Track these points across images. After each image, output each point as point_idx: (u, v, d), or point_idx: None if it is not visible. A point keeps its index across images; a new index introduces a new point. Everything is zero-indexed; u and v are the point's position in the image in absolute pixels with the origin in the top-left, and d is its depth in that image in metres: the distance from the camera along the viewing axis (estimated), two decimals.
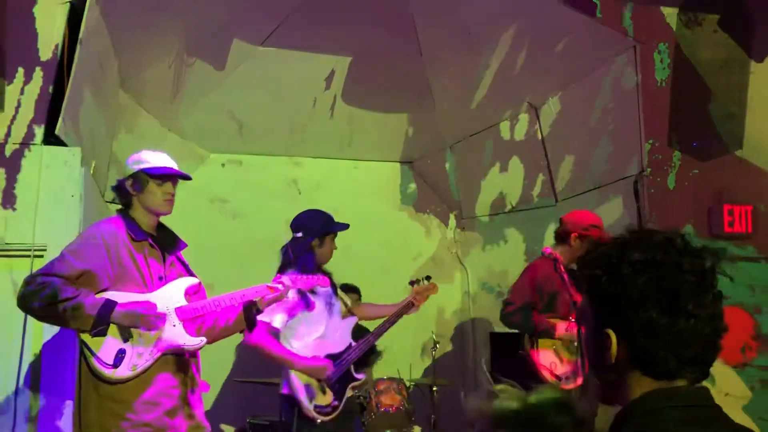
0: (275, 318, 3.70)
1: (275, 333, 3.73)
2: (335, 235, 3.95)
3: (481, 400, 1.49)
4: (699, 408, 1.26)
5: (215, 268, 4.55)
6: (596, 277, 1.32)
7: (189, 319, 3.05)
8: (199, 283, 3.19)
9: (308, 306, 3.76)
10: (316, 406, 3.69)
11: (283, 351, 3.70)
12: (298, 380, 3.69)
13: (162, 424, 2.91)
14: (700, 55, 4.66)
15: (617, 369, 1.31)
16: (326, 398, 3.73)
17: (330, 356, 3.84)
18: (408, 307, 4.10)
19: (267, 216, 5.39)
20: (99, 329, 2.80)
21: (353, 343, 3.95)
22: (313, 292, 3.79)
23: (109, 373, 2.84)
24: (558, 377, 4.07)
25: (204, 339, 3.08)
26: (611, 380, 1.34)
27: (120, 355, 2.85)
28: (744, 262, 4.58)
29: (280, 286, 3.21)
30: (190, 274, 3.20)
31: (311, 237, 3.85)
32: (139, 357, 2.89)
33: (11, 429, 3.16)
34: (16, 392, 3.19)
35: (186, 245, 3.24)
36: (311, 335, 3.81)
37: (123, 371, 2.85)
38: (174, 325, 3.00)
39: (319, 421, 3.68)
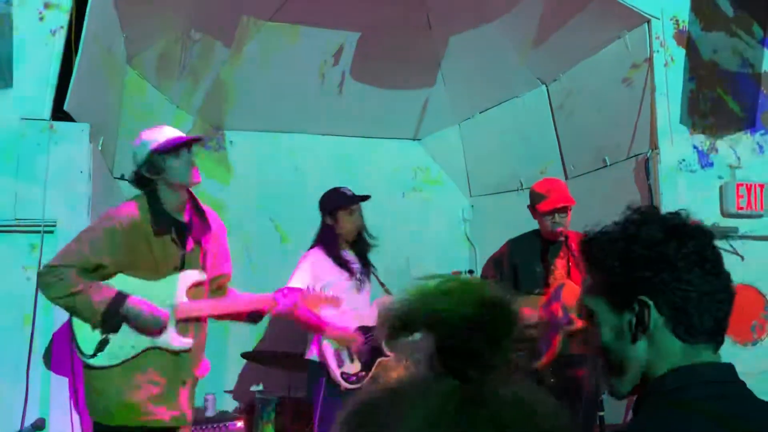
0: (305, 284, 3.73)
1: None
2: (350, 210, 3.92)
3: None
4: (725, 384, 1.25)
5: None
6: (621, 248, 1.27)
7: (183, 320, 2.99)
8: (206, 281, 3.11)
9: (350, 274, 3.90)
10: (343, 373, 3.75)
11: (315, 318, 3.72)
12: (328, 346, 3.76)
13: (146, 410, 2.88)
14: (714, 32, 4.59)
15: (647, 337, 1.25)
16: (354, 367, 3.79)
17: (363, 328, 3.86)
18: None
19: (275, 192, 5.38)
20: (111, 326, 2.81)
21: None
22: (348, 269, 3.90)
23: (86, 360, 2.85)
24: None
25: (190, 341, 2.99)
26: (623, 356, 1.28)
27: (102, 344, 2.83)
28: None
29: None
30: (213, 262, 3.13)
31: (323, 215, 3.91)
32: (120, 348, 2.86)
33: (23, 406, 3.16)
34: (28, 369, 3.18)
35: (210, 230, 3.14)
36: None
37: (102, 361, 2.84)
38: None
39: (343, 388, 3.72)
